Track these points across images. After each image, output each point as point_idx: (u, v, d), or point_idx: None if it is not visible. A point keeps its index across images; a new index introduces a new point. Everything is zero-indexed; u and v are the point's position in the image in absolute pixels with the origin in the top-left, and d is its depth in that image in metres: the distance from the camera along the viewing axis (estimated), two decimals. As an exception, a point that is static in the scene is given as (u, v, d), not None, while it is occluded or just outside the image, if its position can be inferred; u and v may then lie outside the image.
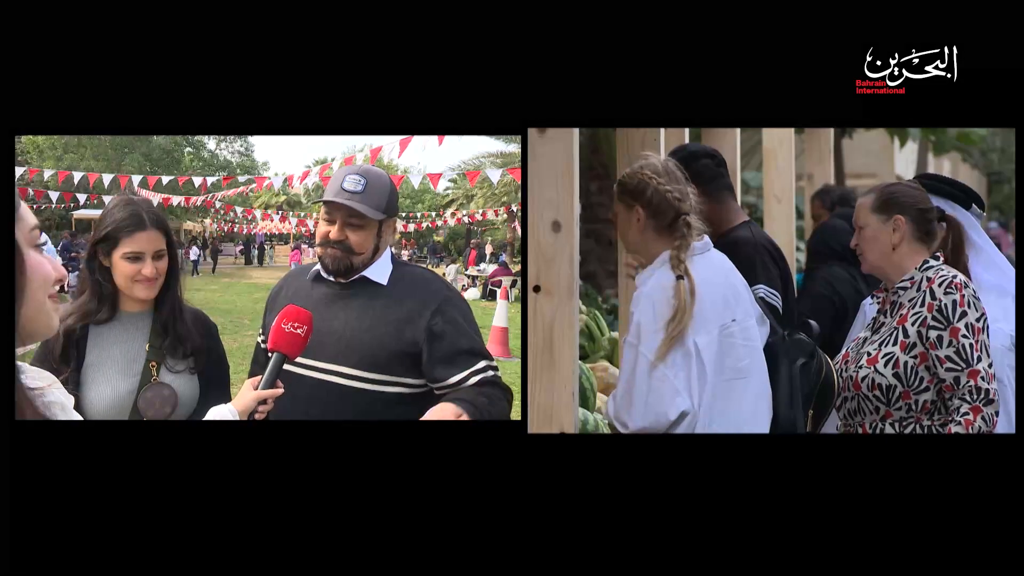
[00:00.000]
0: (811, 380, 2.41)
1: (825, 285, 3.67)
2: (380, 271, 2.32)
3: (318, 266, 2.37)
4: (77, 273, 2.31)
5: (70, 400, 1.45)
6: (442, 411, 2.08)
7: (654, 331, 2.29)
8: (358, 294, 2.31)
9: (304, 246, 33.14)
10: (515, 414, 2.35)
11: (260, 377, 2.12)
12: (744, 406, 2.32)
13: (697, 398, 2.27)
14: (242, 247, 34.86)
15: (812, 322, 2.56)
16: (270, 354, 2.16)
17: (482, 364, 2.25)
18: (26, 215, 1.28)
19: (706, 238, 2.44)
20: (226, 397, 2.33)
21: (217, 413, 2.07)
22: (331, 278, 2.34)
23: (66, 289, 1.51)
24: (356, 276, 2.31)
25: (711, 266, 2.39)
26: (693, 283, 2.30)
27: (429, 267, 21.11)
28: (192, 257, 28.74)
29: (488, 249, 24.42)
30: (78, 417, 1.50)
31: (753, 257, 2.75)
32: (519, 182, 2.71)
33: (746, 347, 2.35)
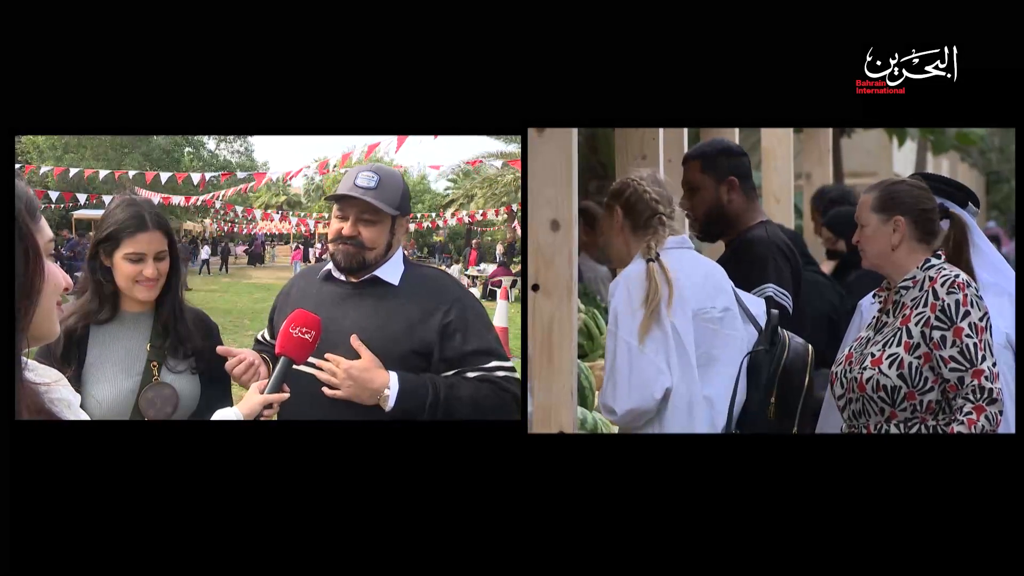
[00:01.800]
0: (771, 365, 2.47)
1: (818, 298, 3.65)
2: (392, 271, 2.32)
3: (329, 265, 2.36)
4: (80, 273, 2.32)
5: (76, 398, 1.47)
6: (367, 376, 2.16)
7: (630, 313, 2.39)
8: (369, 294, 2.30)
9: (302, 246, 33.25)
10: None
11: (266, 381, 2.12)
12: (704, 390, 2.41)
13: (677, 374, 2.36)
14: (247, 247, 34.90)
15: (774, 311, 2.61)
16: (277, 358, 2.16)
17: (492, 364, 2.25)
18: (45, 227, 1.34)
19: (684, 237, 2.57)
20: (227, 397, 2.33)
21: (223, 416, 2.07)
22: (342, 277, 2.33)
23: (69, 291, 1.53)
24: (367, 276, 2.31)
25: (686, 258, 2.51)
26: (665, 266, 2.42)
27: (442, 268, 21.13)
28: (203, 256, 28.88)
29: (499, 249, 24.40)
30: (85, 415, 1.50)
31: (765, 256, 2.82)
32: (519, 179, 2.73)
33: (726, 336, 2.45)
